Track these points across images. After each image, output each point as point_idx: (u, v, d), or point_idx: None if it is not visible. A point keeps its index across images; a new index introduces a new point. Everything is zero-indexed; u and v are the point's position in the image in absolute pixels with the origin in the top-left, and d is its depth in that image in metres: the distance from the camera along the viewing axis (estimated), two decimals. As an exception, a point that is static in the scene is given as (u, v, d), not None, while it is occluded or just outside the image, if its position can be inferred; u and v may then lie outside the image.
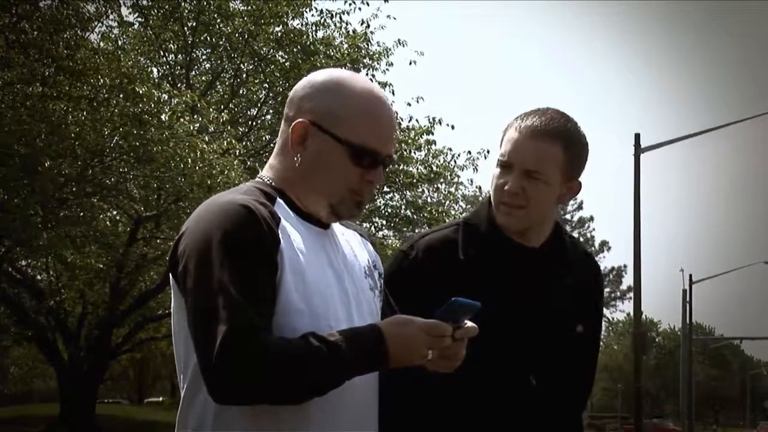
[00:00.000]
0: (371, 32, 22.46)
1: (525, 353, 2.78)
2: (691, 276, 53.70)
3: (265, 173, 2.47)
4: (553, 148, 2.78)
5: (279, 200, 2.38)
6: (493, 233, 2.85)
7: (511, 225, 2.82)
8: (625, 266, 68.40)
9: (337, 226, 2.53)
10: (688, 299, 53.53)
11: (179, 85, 20.74)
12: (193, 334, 2.23)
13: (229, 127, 19.25)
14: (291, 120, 2.43)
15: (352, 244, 2.55)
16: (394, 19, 23.76)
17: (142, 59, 21.42)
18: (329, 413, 2.29)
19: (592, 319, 2.98)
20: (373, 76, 22.93)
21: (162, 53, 22.29)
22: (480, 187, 24.88)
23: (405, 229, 23.65)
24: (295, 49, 21.40)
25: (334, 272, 2.40)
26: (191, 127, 16.47)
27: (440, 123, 22.74)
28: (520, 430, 2.77)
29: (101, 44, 19.57)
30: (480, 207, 2.97)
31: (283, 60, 21.51)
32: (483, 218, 2.90)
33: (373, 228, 23.73)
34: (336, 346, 2.18)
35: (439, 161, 22.89)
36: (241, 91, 22.76)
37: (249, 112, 23.26)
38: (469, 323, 2.31)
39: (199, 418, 2.30)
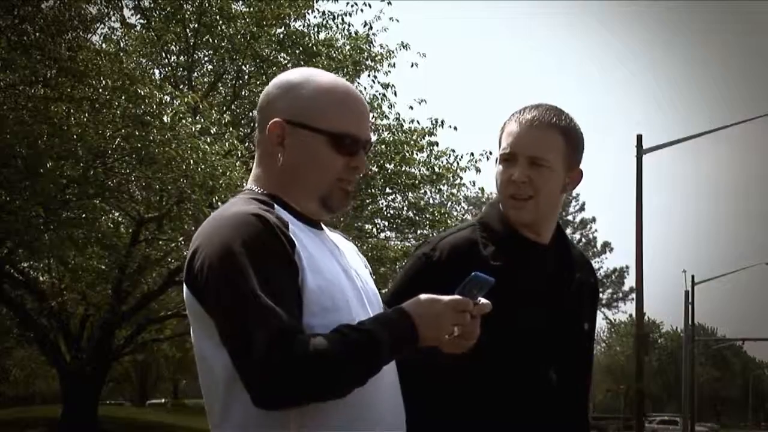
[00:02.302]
0: (374, 34, 22.47)
1: (545, 349, 2.82)
2: (693, 277, 53.71)
3: (251, 185, 2.47)
4: (554, 136, 2.87)
5: (276, 207, 2.38)
6: (508, 231, 2.91)
7: (521, 217, 2.88)
8: (627, 267, 68.32)
9: (327, 230, 2.54)
10: (690, 300, 53.54)
11: (181, 86, 20.73)
12: (230, 346, 2.22)
13: (231, 129, 19.25)
14: (264, 123, 2.44)
15: (344, 245, 2.58)
16: (397, 21, 23.78)
17: (144, 61, 21.44)
18: (366, 401, 2.30)
19: (593, 316, 3.06)
20: (375, 77, 22.97)
21: (164, 55, 22.27)
22: (482, 189, 24.82)
23: (407, 230, 23.65)
24: (297, 51, 21.40)
25: (342, 269, 2.42)
26: (193, 129, 16.46)
27: (442, 125, 22.73)
28: (543, 425, 2.79)
29: (103, 46, 19.58)
30: (489, 208, 3.02)
31: (285, 61, 21.48)
32: (495, 218, 2.95)
33: (375, 229, 23.73)
34: (371, 333, 2.20)
35: (442, 163, 22.86)
36: (243, 93, 22.75)
37: (251, 114, 23.25)
38: (483, 300, 2.33)
39: (239, 428, 2.28)
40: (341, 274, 2.39)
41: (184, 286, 2.35)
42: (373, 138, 22.18)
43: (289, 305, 2.21)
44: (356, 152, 2.44)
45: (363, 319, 2.28)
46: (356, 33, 22.41)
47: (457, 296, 2.28)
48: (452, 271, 2.70)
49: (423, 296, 2.29)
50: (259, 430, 2.25)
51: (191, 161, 15.55)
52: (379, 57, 22.60)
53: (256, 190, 2.45)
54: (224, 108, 21.90)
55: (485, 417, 2.75)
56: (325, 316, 2.27)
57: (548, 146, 2.85)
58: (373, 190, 22.50)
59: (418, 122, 22.82)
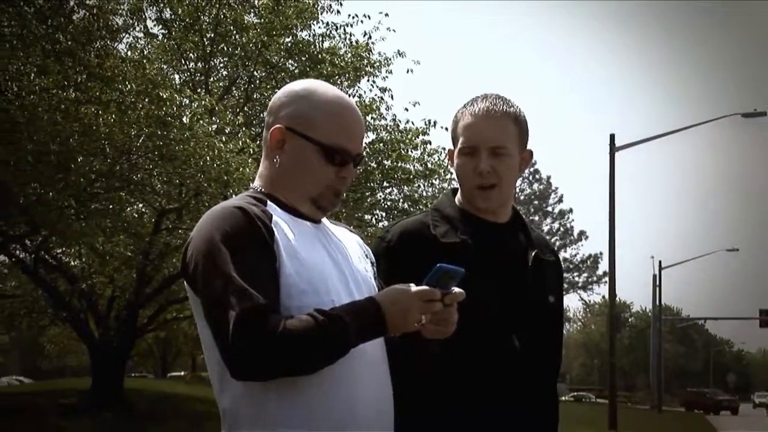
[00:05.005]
0: (372, 43, 22.44)
1: (505, 318, 2.75)
2: (660, 262, 53.84)
3: (256, 183, 2.51)
4: (508, 124, 2.84)
5: (269, 203, 2.40)
6: (459, 212, 2.86)
7: (489, 205, 2.84)
8: (601, 254, 68.32)
9: (327, 223, 2.55)
10: (657, 283, 53.64)
11: (199, 90, 20.70)
12: (211, 325, 2.25)
13: (243, 129, 19.23)
14: (270, 126, 2.47)
15: (344, 236, 2.57)
16: (394, 31, 23.91)
17: (165, 67, 21.39)
18: (345, 376, 2.30)
19: (559, 292, 2.98)
20: (374, 82, 22.93)
21: (183, 61, 22.24)
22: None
23: (403, 220, 23.61)
24: (303, 58, 21.36)
25: (330, 257, 2.41)
26: (210, 129, 16.45)
27: (434, 125, 22.73)
28: (508, 389, 2.74)
29: (128, 53, 19.54)
30: (443, 196, 2.99)
31: (293, 68, 21.46)
32: (447, 203, 2.91)
33: (373, 219, 23.73)
34: (338, 318, 2.20)
35: (434, 159, 22.85)
36: (254, 96, 22.72)
37: (262, 115, 23.22)
38: (456, 289, 2.30)
39: (232, 398, 2.32)
40: (327, 261, 2.39)
41: None
42: (371, 137, 22.27)
43: (264, 287, 2.22)
44: (346, 164, 2.44)
45: (338, 305, 2.28)
46: (357, 42, 22.37)
47: (423, 287, 2.26)
48: (404, 253, 2.75)
49: (393, 287, 2.30)
50: (245, 400, 2.28)
51: (208, 158, 15.56)
52: (378, 64, 22.56)
53: (258, 188, 2.48)
54: (238, 110, 21.88)
55: (454, 387, 2.71)
56: (302, 298, 2.28)
57: (505, 135, 2.82)
58: (372, 184, 22.50)
59: (412, 123, 22.82)
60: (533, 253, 2.88)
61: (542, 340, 2.84)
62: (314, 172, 2.42)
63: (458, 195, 2.95)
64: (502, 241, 2.85)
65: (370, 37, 22.39)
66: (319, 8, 21.96)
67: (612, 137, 27.96)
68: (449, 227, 2.81)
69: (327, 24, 22.26)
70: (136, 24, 21.47)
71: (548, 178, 69.10)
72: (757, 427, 39.14)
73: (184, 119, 16.14)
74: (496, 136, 2.81)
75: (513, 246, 2.87)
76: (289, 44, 21.52)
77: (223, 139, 16.65)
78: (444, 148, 23.08)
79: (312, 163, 2.42)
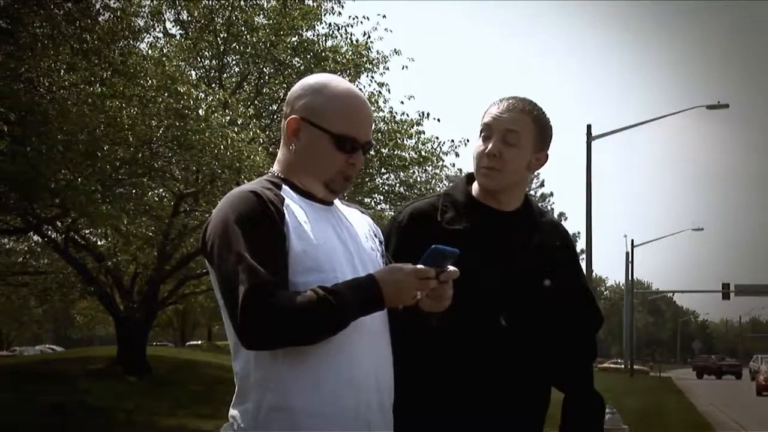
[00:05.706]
0: (371, 42, 22.40)
1: (494, 298, 2.72)
2: (632, 241, 53.97)
3: (275, 167, 2.50)
4: (526, 119, 2.79)
5: (284, 186, 2.40)
6: (468, 199, 2.83)
7: (487, 185, 2.79)
8: (578, 233, 67.99)
9: (339, 205, 2.54)
10: (630, 260, 53.71)
11: (213, 85, 20.66)
12: (223, 299, 2.27)
13: (254, 120, 19.19)
14: (288, 116, 2.46)
15: (354, 217, 2.56)
16: (391, 31, 23.90)
17: (182, 64, 21.33)
18: (345, 346, 2.30)
19: (563, 274, 2.86)
20: (373, 77, 22.91)
21: (199, 59, 22.19)
22: (461, 170, 24.81)
23: (399, 204, 23.63)
24: (308, 56, 21.31)
25: (337, 237, 2.41)
26: (223, 120, 16.43)
27: (428, 117, 22.72)
28: (496, 364, 2.72)
29: (149, 52, 19.49)
30: (457, 181, 2.94)
31: (299, 65, 21.42)
32: (460, 189, 2.87)
33: (372, 203, 23.74)
34: (338, 293, 2.21)
35: (427, 148, 22.84)
36: (264, 91, 22.68)
37: (271, 108, 23.21)
38: (451, 267, 2.31)
39: (244, 363, 2.34)
40: (334, 240, 2.38)
41: None
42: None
43: (273, 265, 2.23)
44: (355, 151, 2.43)
45: (341, 281, 2.28)
46: (357, 41, 22.33)
47: (419, 266, 2.27)
48: (412, 233, 2.73)
49: (392, 265, 2.32)
50: (255, 365, 2.30)
51: (222, 147, 15.55)
52: (376, 61, 22.52)
53: (276, 172, 2.47)
54: (249, 103, 21.83)
55: (446, 358, 2.70)
56: (308, 275, 2.28)
57: (520, 125, 2.77)
58: (370, 171, 22.51)
59: (407, 114, 22.80)
60: (534, 240, 2.82)
61: (535, 320, 2.77)
62: (326, 159, 2.41)
63: (475, 183, 2.89)
64: (504, 228, 2.80)
65: (369, 37, 22.36)
66: (322, 10, 21.92)
67: (589, 127, 27.95)
68: (455, 213, 2.78)
69: (329, 25, 22.22)
70: (156, 25, 21.45)
71: (531, 164, 69.09)
72: (720, 388, 39.32)
73: (200, 112, 16.13)
74: (511, 123, 2.77)
75: (514, 233, 2.81)
76: (295, 43, 21.47)
77: (236, 129, 16.64)
78: (437, 137, 23.19)
79: (324, 151, 2.41)
